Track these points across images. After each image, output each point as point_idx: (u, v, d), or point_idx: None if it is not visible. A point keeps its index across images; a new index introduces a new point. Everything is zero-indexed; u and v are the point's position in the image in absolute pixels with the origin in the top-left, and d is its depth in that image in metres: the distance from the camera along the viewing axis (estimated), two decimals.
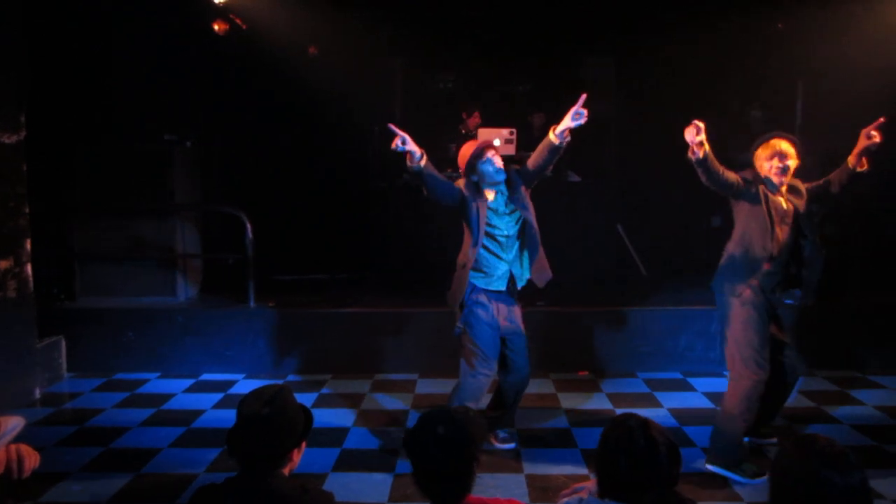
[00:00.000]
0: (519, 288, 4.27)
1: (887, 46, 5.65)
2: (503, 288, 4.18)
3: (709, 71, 7.45)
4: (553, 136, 4.02)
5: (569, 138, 4.03)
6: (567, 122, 3.97)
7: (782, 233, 3.92)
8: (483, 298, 4.15)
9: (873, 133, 3.79)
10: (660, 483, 2.04)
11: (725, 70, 7.39)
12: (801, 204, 3.98)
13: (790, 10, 6.66)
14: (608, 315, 5.90)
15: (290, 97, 7.42)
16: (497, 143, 6.47)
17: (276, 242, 6.85)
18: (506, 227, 4.15)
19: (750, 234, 3.94)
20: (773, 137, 3.97)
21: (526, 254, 4.25)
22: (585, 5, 7.59)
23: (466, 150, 4.17)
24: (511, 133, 6.63)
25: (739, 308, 3.93)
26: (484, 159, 4.09)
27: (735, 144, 7.72)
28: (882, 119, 3.78)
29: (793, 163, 3.88)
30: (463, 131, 7.49)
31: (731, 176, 3.90)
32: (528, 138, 7.20)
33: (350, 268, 7.27)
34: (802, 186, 4.04)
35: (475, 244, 4.10)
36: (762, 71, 7.14)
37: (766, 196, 3.91)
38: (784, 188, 3.97)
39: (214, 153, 7.11)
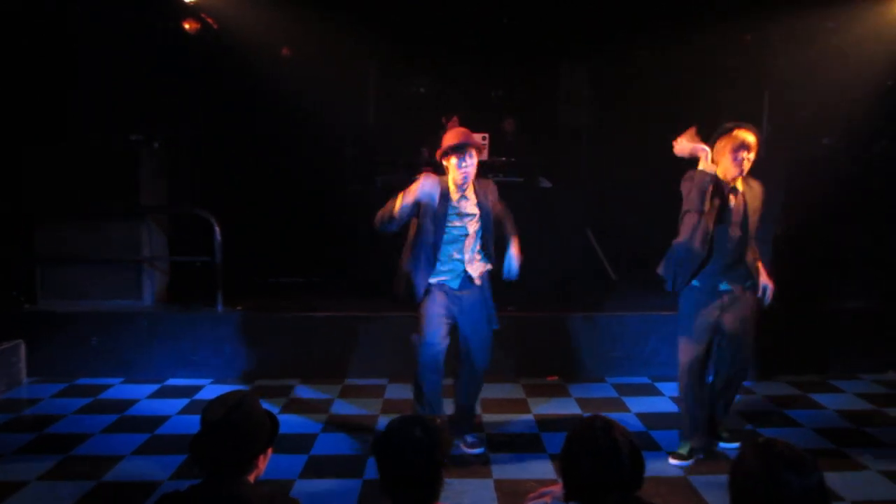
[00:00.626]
0: (476, 281, 4.27)
1: (850, 60, 5.78)
2: (455, 287, 4.21)
3: (679, 80, 7.55)
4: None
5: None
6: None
7: (730, 229, 4.01)
8: (437, 291, 4.22)
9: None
10: (623, 486, 2.05)
11: (695, 80, 7.49)
12: (753, 200, 4.06)
13: (758, 22, 6.78)
14: (578, 320, 5.94)
15: (263, 98, 7.36)
16: None
17: (247, 245, 6.78)
18: (461, 227, 4.19)
19: (695, 230, 4.02)
20: (735, 128, 4.02)
21: (482, 253, 4.28)
22: (560, 13, 7.65)
23: (453, 137, 4.14)
24: (484, 138, 6.64)
25: (685, 300, 4.16)
26: (461, 155, 4.09)
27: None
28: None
29: (752, 155, 3.96)
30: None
31: (697, 202, 4.03)
32: (500, 143, 7.23)
33: (322, 271, 7.22)
34: (759, 188, 4.13)
35: (431, 240, 4.14)
36: (731, 81, 7.25)
37: (713, 194, 3.99)
38: (738, 183, 4.04)
39: (183, 154, 7.01)
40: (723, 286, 4.12)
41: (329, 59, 7.45)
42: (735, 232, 4.05)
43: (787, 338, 5.90)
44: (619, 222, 7.56)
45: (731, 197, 4.06)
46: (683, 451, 4.21)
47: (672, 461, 4.17)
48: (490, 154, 6.70)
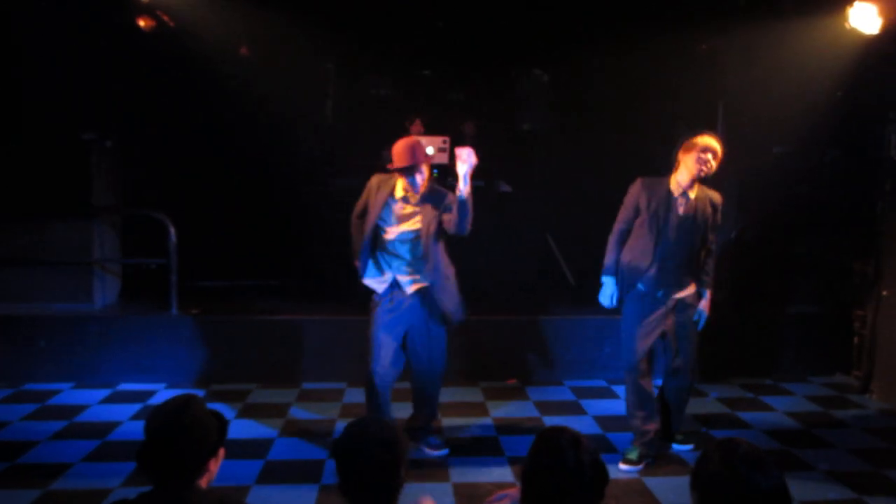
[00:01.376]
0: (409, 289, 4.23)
1: (801, 71, 5.94)
2: (387, 294, 4.22)
3: (637, 88, 7.66)
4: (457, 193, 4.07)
5: (468, 188, 4.05)
6: (461, 174, 4.01)
7: (673, 237, 4.09)
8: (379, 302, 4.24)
9: None
10: (584, 499, 2.04)
11: (652, 88, 7.61)
12: (704, 209, 4.14)
13: (711, 33, 6.92)
14: (536, 324, 5.98)
15: (220, 98, 7.25)
16: (430, 151, 6.49)
17: (202, 248, 6.66)
18: (402, 232, 4.17)
19: (639, 238, 4.18)
20: (699, 135, 4.13)
21: (422, 265, 4.21)
22: (519, 18, 7.70)
23: (401, 158, 4.09)
24: (444, 142, 6.64)
25: (629, 304, 4.28)
26: (412, 176, 4.09)
27: (660, 160, 7.97)
28: None
29: (714, 162, 4.05)
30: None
31: (626, 216, 4.27)
32: (460, 146, 7.23)
33: (279, 274, 7.14)
34: (716, 199, 4.21)
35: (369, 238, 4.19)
36: (686, 90, 7.38)
37: (660, 203, 4.08)
38: (693, 190, 4.12)
39: (137, 154, 6.87)
40: (660, 293, 4.19)
41: (287, 59, 7.38)
42: (680, 239, 4.13)
43: (739, 341, 6.04)
44: (578, 226, 7.63)
45: (681, 204, 4.13)
46: (633, 455, 4.25)
47: (622, 466, 4.21)
48: (450, 158, 6.70)
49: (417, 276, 4.22)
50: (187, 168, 7.19)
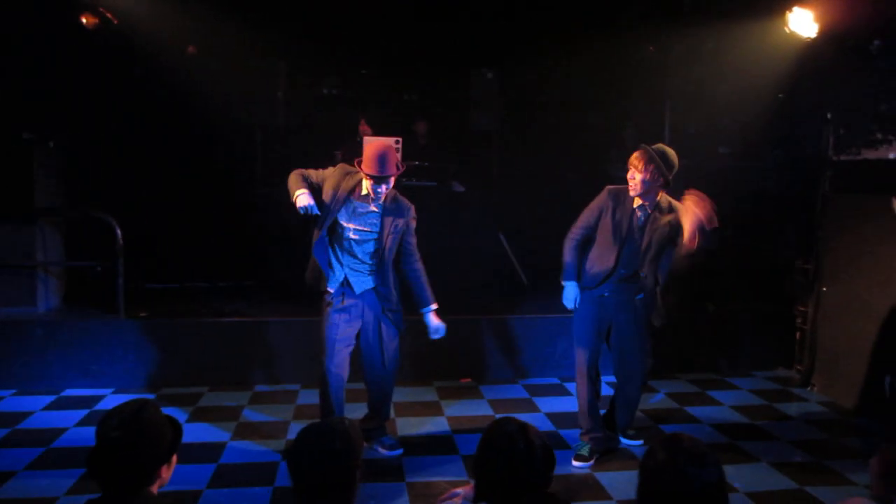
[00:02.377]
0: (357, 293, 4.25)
1: (746, 74, 6.11)
2: (337, 293, 4.22)
3: (587, 88, 7.78)
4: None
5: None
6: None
7: (632, 247, 4.19)
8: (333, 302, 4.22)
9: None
10: (535, 485, 2.09)
11: (602, 88, 7.74)
12: (661, 226, 4.22)
13: (659, 35, 7.07)
14: (490, 323, 6.02)
15: (168, 97, 7.12)
16: None
17: (151, 250, 6.54)
18: (360, 231, 4.17)
19: (602, 246, 4.27)
20: (634, 151, 4.23)
21: (374, 269, 4.24)
22: (470, 19, 7.74)
23: (372, 165, 4.03)
24: (397, 142, 6.64)
25: (582, 305, 4.35)
26: (380, 185, 4.06)
27: (610, 160, 8.12)
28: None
29: (638, 175, 4.13)
30: (358, 139, 7.44)
31: (595, 215, 4.31)
32: (412, 146, 7.24)
33: (230, 276, 7.04)
34: (675, 217, 4.27)
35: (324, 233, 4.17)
36: (635, 91, 7.52)
37: (623, 214, 4.18)
38: (636, 202, 4.22)
39: (82, 154, 6.69)
40: (607, 293, 4.29)
41: (237, 57, 7.29)
42: (637, 250, 4.22)
43: (686, 338, 6.18)
44: (531, 226, 7.71)
45: (639, 217, 4.22)
46: (584, 451, 4.32)
47: (575, 463, 4.28)
48: (403, 158, 6.70)
49: (369, 279, 4.22)
50: (135, 169, 7.03)
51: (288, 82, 8.19)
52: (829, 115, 5.73)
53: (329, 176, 4.17)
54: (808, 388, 5.85)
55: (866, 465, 2.60)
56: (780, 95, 6.34)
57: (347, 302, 4.21)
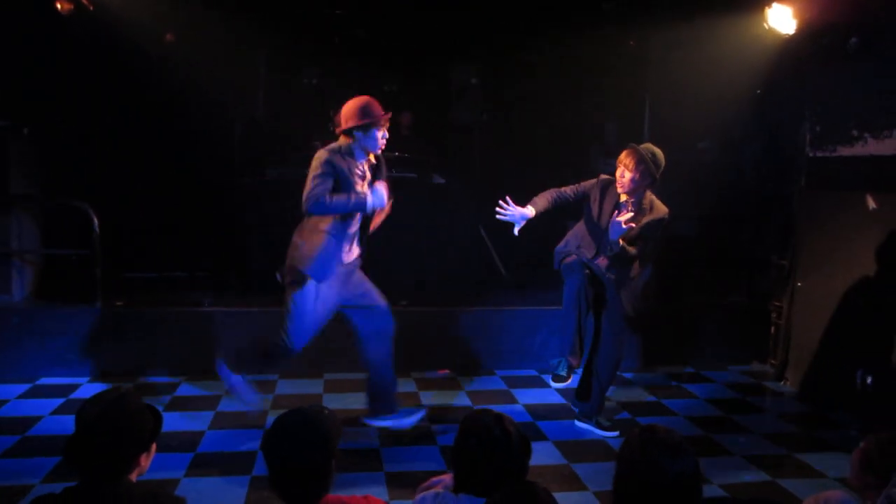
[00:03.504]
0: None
1: (725, 69, 6.16)
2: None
3: (569, 82, 7.80)
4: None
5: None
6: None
7: (606, 230, 4.32)
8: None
9: None
10: (512, 474, 2.12)
11: (583, 81, 7.77)
12: (639, 220, 4.30)
13: (639, 28, 7.12)
14: (469, 315, 6.04)
15: (145, 85, 7.03)
16: None
17: (129, 238, 6.48)
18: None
19: (586, 229, 4.48)
20: (623, 150, 4.32)
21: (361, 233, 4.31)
22: (452, 11, 7.72)
23: (362, 107, 4.09)
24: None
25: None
26: (380, 128, 4.09)
27: (591, 153, 8.17)
28: None
29: (628, 174, 4.23)
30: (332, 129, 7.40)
31: (580, 192, 4.46)
32: (394, 137, 7.22)
33: (209, 266, 6.99)
34: (659, 214, 4.35)
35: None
36: (616, 85, 7.56)
37: (612, 205, 4.28)
38: (622, 198, 4.29)
39: (57, 142, 6.60)
40: (590, 262, 4.44)
41: (216, 46, 7.21)
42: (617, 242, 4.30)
43: (663, 331, 6.24)
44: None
45: (625, 211, 4.29)
46: (563, 371, 4.46)
47: (554, 384, 4.47)
48: (383, 150, 6.68)
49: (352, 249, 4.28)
50: (112, 157, 6.95)
51: (267, 72, 8.14)
52: (806, 112, 5.80)
53: (324, 162, 4.08)
54: (782, 382, 5.94)
55: (838, 457, 2.64)
56: (758, 91, 6.40)
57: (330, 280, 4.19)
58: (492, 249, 7.46)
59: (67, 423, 3.69)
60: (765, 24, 5.69)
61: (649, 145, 4.34)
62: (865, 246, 5.08)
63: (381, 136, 4.15)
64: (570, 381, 4.47)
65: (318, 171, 4.02)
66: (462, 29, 7.91)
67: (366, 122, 4.05)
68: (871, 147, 5.19)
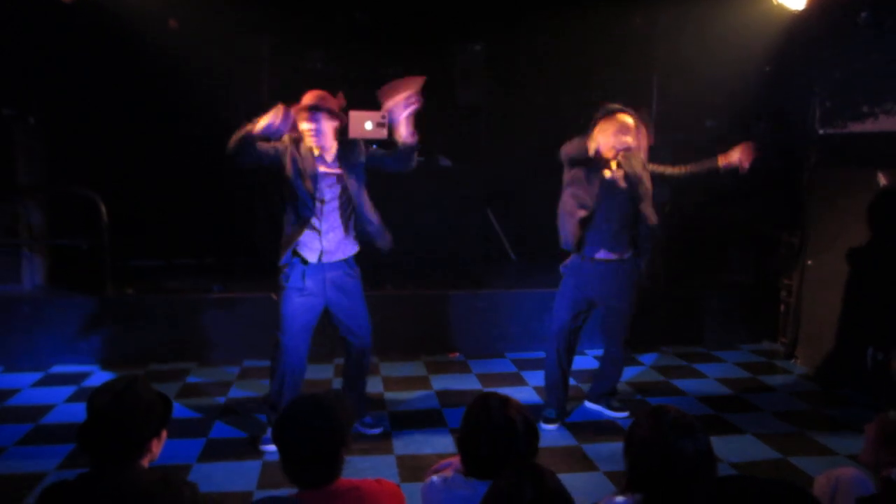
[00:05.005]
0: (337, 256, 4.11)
1: (733, 46, 6.09)
2: (314, 262, 4.02)
3: (574, 62, 7.73)
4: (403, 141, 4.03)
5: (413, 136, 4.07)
6: (400, 118, 3.99)
7: (608, 203, 4.21)
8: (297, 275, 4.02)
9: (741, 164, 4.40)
10: (519, 457, 2.12)
11: (589, 62, 7.69)
12: (634, 168, 4.24)
13: (648, 6, 7.03)
14: (477, 298, 6.04)
15: (150, 72, 7.01)
16: (369, 126, 6.43)
17: (136, 226, 6.49)
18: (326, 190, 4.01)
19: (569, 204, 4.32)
20: (617, 112, 4.21)
21: (347, 228, 4.10)
22: None
23: (308, 98, 4.01)
24: (383, 117, 6.58)
25: (570, 263, 4.44)
26: (305, 120, 3.93)
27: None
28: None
29: (629, 138, 4.16)
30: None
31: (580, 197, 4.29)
32: None
33: (217, 252, 7.01)
34: (638, 156, 4.30)
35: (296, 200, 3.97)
36: (622, 64, 7.49)
37: (592, 169, 4.20)
38: (614, 163, 4.24)
39: (64, 131, 6.60)
40: (599, 255, 4.31)
41: (220, 31, 7.18)
42: (612, 204, 4.23)
43: (672, 311, 6.23)
44: (518, 201, 7.71)
45: (606, 171, 4.23)
46: (553, 415, 4.49)
47: (545, 426, 4.42)
48: (390, 133, 6.65)
49: (329, 247, 4.06)
50: (119, 145, 6.95)
51: (272, 57, 8.10)
52: (815, 88, 5.74)
53: (286, 145, 3.99)
54: (792, 361, 5.92)
55: (849, 435, 2.63)
56: (767, 68, 6.33)
57: (308, 279, 4.02)
58: (500, 232, 7.45)
59: (80, 411, 3.71)
60: (773, 0, 5.61)
61: (640, 109, 4.34)
62: (876, 223, 5.04)
63: (309, 129, 3.92)
64: (559, 422, 4.48)
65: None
66: (467, 9, 7.84)
67: (311, 105, 3.94)
68: (882, 123, 5.13)
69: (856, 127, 5.36)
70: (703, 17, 6.18)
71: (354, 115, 6.50)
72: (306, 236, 3.99)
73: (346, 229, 4.10)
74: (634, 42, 7.25)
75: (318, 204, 3.98)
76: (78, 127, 6.72)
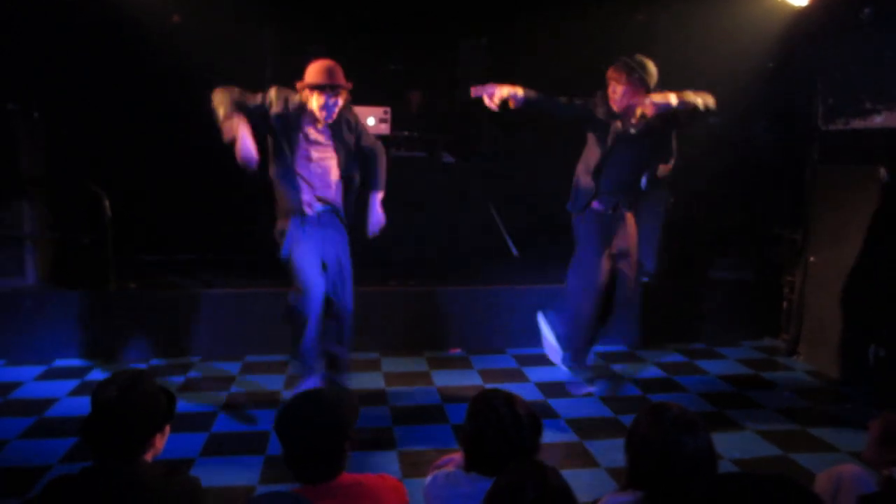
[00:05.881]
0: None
1: (735, 42, 6.08)
2: (314, 219, 4.20)
3: (576, 57, 7.71)
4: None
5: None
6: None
7: (620, 156, 4.23)
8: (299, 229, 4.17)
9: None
10: (522, 453, 2.13)
11: (591, 58, 7.68)
12: (645, 117, 4.27)
13: (649, 3, 7.02)
14: (479, 293, 6.04)
15: (153, 67, 7.02)
16: (371, 122, 6.44)
17: (139, 222, 6.50)
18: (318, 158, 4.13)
19: (588, 160, 4.38)
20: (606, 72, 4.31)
21: (338, 195, 4.27)
22: None
23: (318, 74, 4.04)
24: (385, 112, 6.60)
25: (582, 226, 4.49)
26: (319, 94, 4.01)
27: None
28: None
29: (619, 88, 4.18)
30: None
31: (576, 104, 4.37)
32: (405, 117, 7.21)
33: (219, 247, 7.01)
34: (650, 101, 4.29)
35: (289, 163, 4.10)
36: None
37: (606, 123, 4.22)
38: (634, 115, 4.25)
39: (67, 125, 6.61)
40: (618, 209, 4.41)
41: (223, 25, 7.18)
42: (624, 155, 4.25)
43: (675, 308, 6.22)
44: (520, 196, 7.71)
45: (618, 122, 4.25)
46: (586, 378, 4.52)
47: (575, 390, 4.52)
48: (392, 129, 6.67)
49: (325, 208, 4.24)
50: (122, 140, 6.96)
51: (274, 52, 8.10)
52: (818, 85, 5.73)
53: (275, 100, 4.05)
54: (794, 357, 5.92)
55: (851, 432, 2.64)
56: (770, 64, 6.32)
57: (309, 226, 4.17)
58: (502, 228, 7.45)
59: (83, 405, 3.73)
60: None
61: (638, 56, 4.33)
62: (879, 220, 5.04)
63: (320, 105, 4.00)
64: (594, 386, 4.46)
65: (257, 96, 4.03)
66: (469, 5, 7.84)
67: (307, 83, 3.99)
68: (885, 119, 5.12)
69: (858, 123, 5.35)
70: (705, 12, 6.17)
71: (357, 111, 6.49)
72: (298, 190, 4.11)
73: (336, 186, 4.25)
74: (636, 37, 7.23)
75: (304, 160, 4.09)
76: (81, 122, 6.72)
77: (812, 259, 5.83)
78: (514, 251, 7.30)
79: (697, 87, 6.44)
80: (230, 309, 5.75)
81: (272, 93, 4.04)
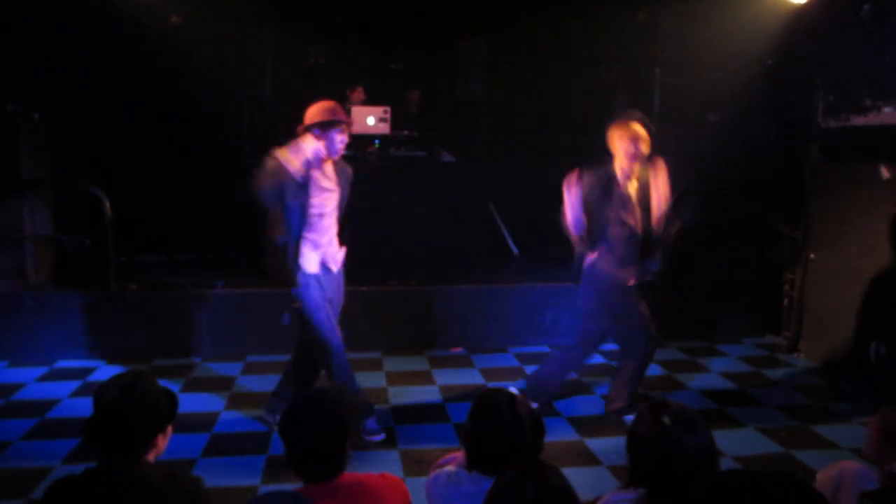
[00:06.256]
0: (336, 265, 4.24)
1: (735, 40, 6.08)
2: (324, 272, 4.16)
3: (577, 56, 7.72)
4: None
5: None
6: None
7: (631, 216, 4.22)
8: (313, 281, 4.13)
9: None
10: (525, 452, 2.13)
11: (592, 56, 7.69)
12: (657, 177, 4.25)
13: (650, 1, 7.02)
14: (480, 292, 6.04)
15: (153, 67, 7.02)
16: (371, 121, 6.43)
17: (139, 222, 6.50)
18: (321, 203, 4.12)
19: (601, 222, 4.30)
20: (630, 120, 4.22)
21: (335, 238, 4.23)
22: None
23: (325, 112, 4.04)
24: (385, 112, 6.60)
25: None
26: (339, 131, 4.03)
27: (601, 130, 8.08)
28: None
29: (646, 147, 4.17)
30: (347, 106, 7.38)
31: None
32: (405, 116, 7.20)
33: (219, 248, 7.01)
34: (660, 163, 4.31)
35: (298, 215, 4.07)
36: (625, 59, 7.48)
37: (612, 186, 4.20)
38: (634, 175, 4.25)
39: (68, 127, 6.61)
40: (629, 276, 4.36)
41: (223, 26, 7.18)
42: (631, 220, 4.25)
43: (676, 306, 6.22)
44: (520, 195, 7.71)
45: (628, 184, 4.25)
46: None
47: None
48: (392, 128, 6.66)
49: (334, 254, 4.21)
50: (122, 141, 6.97)
51: (275, 52, 8.11)
52: (819, 81, 5.72)
53: (275, 174, 4.07)
54: (795, 354, 5.92)
55: (852, 429, 2.64)
56: (770, 62, 6.32)
57: (325, 281, 4.15)
58: (502, 227, 7.45)
59: (85, 406, 3.73)
60: None
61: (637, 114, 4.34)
62: (879, 217, 5.04)
63: (340, 140, 4.05)
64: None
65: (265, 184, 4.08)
66: (469, 4, 7.84)
67: (326, 120, 3.99)
68: (885, 116, 5.12)
69: (858, 120, 5.35)
70: (706, 10, 6.17)
71: (357, 110, 6.50)
72: (310, 248, 4.09)
73: (339, 239, 4.25)
74: (636, 36, 7.24)
75: (317, 218, 4.09)
76: (82, 123, 6.73)
77: (812, 256, 5.83)
78: (514, 249, 7.30)
79: (697, 87, 6.47)
80: (231, 309, 5.76)
81: (279, 165, 4.03)
